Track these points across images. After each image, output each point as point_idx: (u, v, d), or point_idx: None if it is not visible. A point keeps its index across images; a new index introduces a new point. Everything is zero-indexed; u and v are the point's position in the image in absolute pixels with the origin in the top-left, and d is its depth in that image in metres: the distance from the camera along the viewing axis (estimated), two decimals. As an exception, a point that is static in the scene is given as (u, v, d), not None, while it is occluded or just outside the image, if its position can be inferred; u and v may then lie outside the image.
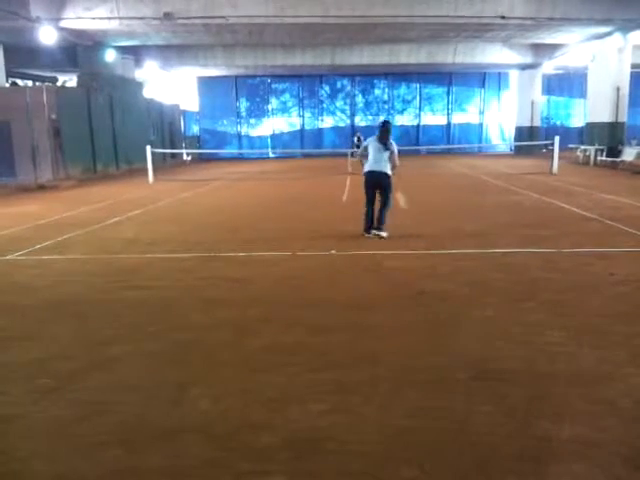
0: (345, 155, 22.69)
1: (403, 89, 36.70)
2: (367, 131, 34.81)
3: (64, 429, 3.11)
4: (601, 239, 7.90)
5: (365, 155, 8.33)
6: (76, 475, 2.71)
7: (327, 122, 36.72)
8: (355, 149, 26.94)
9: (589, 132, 23.78)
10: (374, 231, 8.20)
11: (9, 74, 23.22)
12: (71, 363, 3.98)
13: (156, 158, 20.88)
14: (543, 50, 28.41)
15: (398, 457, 2.78)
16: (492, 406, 3.24)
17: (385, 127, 8.21)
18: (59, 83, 29.76)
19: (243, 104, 36.57)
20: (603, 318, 4.67)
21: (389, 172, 8.19)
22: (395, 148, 8.18)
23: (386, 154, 8.10)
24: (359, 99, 36.79)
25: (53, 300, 5.56)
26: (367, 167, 8.26)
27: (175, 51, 27.83)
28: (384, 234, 8.13)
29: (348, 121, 36.67)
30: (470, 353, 3.99)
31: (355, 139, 29.53)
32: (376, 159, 8.14)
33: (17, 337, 4.57)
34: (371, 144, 8.23)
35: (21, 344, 4.40)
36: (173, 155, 29.50)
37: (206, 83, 35.57)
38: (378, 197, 8.29)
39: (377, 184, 8.19)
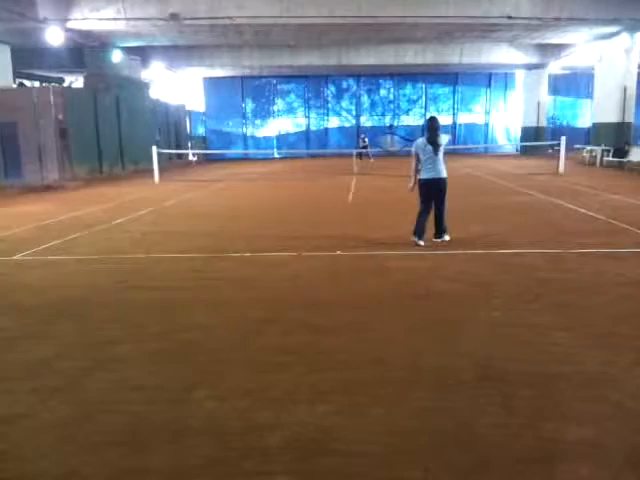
0: (351, 155, 22.68)
1: (409, 89, 36.66)
2: (373, 131, 34.97)
3: (69, 429, 3.12)
4: (608, 240, 7.86)
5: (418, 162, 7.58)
6: (81, 475, 2.71)
7: (333, 122, 36.71)
8: (362, 150, 26.99)
9: (596, 132, 23.68)
10: (440, 239, 7.71)
11: (16, 75, 23.30)
12: (76, 363, 3.99)
13: (162, 158, 20.93)
14: (550, 50, 28.32)
15: (403, 458, 2.77)
16: (498, 407, 3.23)
17: (433, 125, 7.47)
18: (66, 84, 29.87)
19: (249, 105, 36.62)
20: (610, 319, 4.64)
21: (446, 175, 7.55)
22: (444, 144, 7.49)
23: (440, 155, 7.44)
24: (365, 99, 36.76)
25: (58, 300, 5.57)
26: (424, 174, 7.49)
27: (181, 51, 27.87)
28: (447, 237, 7.77)
29: (354, 121, 36.67)
30: (476, 354, 3.97)
31: (360, 141, 29.32)
32: (431, 163, 7.41)
33: (22, 337, 4.58)
34: (421, 148, 7.47)
35: (26, 344, 4.42)
36: (179, 155, 29.57)
37: (212, 84, 35.64)
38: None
39: (437, 191, 7.53)
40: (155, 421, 3.19)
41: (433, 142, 7.37)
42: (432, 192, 7.55)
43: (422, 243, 7.59)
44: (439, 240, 7.70)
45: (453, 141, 35.74)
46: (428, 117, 7.92)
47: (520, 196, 12.90)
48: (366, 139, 28.84)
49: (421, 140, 7.53)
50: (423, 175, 7.51)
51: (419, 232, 7.63)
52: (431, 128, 7.45)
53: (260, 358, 4.02)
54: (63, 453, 2.89)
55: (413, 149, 7.58)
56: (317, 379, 3.64)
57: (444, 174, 7.51)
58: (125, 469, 2.75)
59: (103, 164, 21.80)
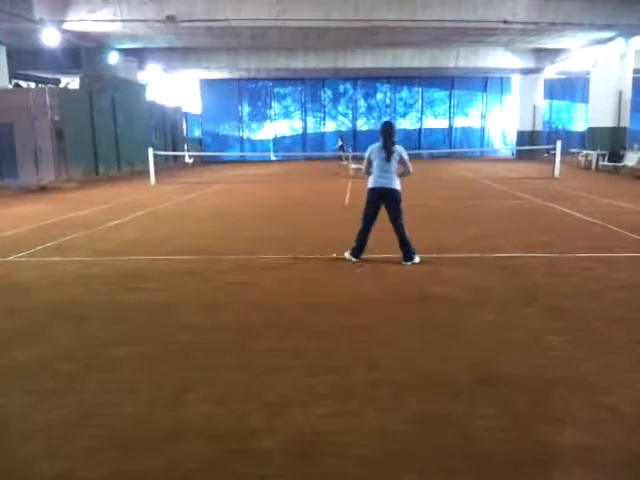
0: (347, 159, 22.69)
1: (405, 93, 36.75)
2: (369, 135, 35.04)
3: (64, 431, 3.11)
4: (603, 244, 7.88)
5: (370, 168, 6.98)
6: (76, 477, 2.71)
7: (329, 126, 36.74)
8: (341, 152, 27.33)
9: (591, 137, 23.78)
10: (410, 261, 6.84)
11: (12, 76, 23.25)
12: (72, 365, 3.98)
13: (158, 160, 20.88)
14: (545, 55, 28.46)
15: (398, 462, 2.77)
16: (493, 411, 3.23)
17: (387, 130, 6.82)
18: (62, 85, 29.80)
19: (245, 108, 36.60)
20: (605, 323, 4.66)
21: (399, 187, 6.87)
22: (405, 154, 6.89)
23: (393, 164, 6.81)
24: (361, 103, 36.81)
25: (54, 302, 5.56)
26: (373, 182, 6.89)
27: (178, 54, 27.88)
28: (417, 259, 6.90)
29: (350, 125, 36.70)
30: (471, 358, 3.98)
31: (338, 144, 29.64)
32: (383, 171, 6.81)
33: (17, 338, 4.56)
34: (375, 154, 6.89)
35: (21, 345, 4.40)
36: (175, 157, 29.53)
37: (209, 86, 35.63)
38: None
39: (383, 202, 6.91)
40: (150, 424, 3.18)
41: (387, 148, 6.79)
42: (380, 204, 6.93)
43: (354, 260, 6.98)
44: (409, 263, 6.83)
45: (449, 145, 35.90)
46: (383, 122, 7.17)
47: (515, 200, 12.94)
48: (340, 142, 29.29)
49: (376, 145, 6.93)
50: (372, 183, 6.91)
51: (358, 249, 7.00)
52: (386, 133, 6.81)
53: (256, 361, 4.01)
54: (58, 455, 2.88)
55: (367, 154, 7.01)
56: (313, 382, 3.64)
57: (396, 185, 6.84)
58: (120, 472, 2.74)
59: (99, 165, 21.77)
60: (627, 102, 22.09)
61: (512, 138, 35.84)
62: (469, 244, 8.02)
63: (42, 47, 19.64)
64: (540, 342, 4.26)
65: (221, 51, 28.22)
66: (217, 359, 4.07)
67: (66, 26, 18.46)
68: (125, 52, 24.07)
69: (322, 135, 36.62)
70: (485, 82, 36.24)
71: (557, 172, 18.54)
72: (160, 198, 14.56)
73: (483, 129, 36.98)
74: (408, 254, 6.89)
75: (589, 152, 23.15)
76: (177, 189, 17.26)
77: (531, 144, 30.41)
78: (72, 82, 29.93)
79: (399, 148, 6.90)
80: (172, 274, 6.65)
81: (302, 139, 36.47)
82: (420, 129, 36.58)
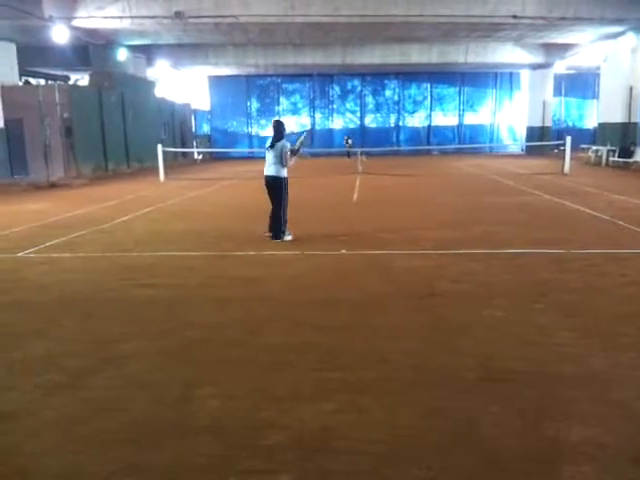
0: (355, 155, 22.67)
1: (414, 90, 36.51)
2: (377, 132, 35.01)
3: (73, 426, 3.13)
4: (612, 240, 7.83)
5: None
6: (85, 472, 2.72)
7: (337, 123, 36.62)
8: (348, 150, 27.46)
9: (601, 132, 23.59)
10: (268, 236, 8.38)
11: (22, 73, 23.32)
12: (80, 360, 4.00)
13: (167, 157, 20.94)
14: (555, 50, 28.23)
15: (406, 457, 2.77)
16: (501, 407, 3.22)
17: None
18: (71, 82, 29.91)
19: (254, 104, 36.58)
20: (614, 319, 4.63)
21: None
22: None
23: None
24: (369, 100, 36.63)
25: (62, 297, 5.59)
26: (288, 172, 8.68)
27: (186, 50, 27.90)
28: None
29: (358, 122, 36.58)
30: (480, 353, 3.96)
31: (345, 142, 29.71)
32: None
33: (26, 334, 4.59)
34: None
35: (30, 341, 4.43)
36: (184, 154, 29.60)
37: (217, 82, 35.64)
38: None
39: None
40: (159, 419, 3.19)
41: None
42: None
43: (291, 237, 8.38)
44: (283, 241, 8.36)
45: (459, 141, 35.78)
46: (279, 120, 9.08)
47: (525, 196, 12.87)
48: (350, 140, 29.31)
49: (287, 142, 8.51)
50: (287, 173, 8.58)
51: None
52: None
53: (264, 356, 4.02)
54: (67, 450, 2.90)
55: (289, 147, 8.58)
56: (321, 378, 3.64)
57: None
58: (129, 466, 2.75)
59: (108, 162, 21.85)
60: (638, 97, 21.85)
61: (521, 134, 35.61)
62: (478, 240, 7.99)
63: (51, 44, 19.72)
64: (549, 338, 4.24)
65: (229, 47, 28.20)
66: (225, 354, 4.09)
67: (75, 23, 18.54)
68: (134, 49, 24.11)
69: (330, 131, 36.53)
70: (495, 78, 35.96)
71: (567, 168, 18.40)
72: (169, 194, 14.59)
73: (493, 125, 36.69)
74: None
75: (599, 148, 22.97)
76: (186, 185, 17.30)
77: (541, 140, 30.21)
78: (81, 79, 30.05)
79: None
80: (180, 270, 6.68)
81: (310, 135, 36.37)
82: (429, 126, 36.34)
